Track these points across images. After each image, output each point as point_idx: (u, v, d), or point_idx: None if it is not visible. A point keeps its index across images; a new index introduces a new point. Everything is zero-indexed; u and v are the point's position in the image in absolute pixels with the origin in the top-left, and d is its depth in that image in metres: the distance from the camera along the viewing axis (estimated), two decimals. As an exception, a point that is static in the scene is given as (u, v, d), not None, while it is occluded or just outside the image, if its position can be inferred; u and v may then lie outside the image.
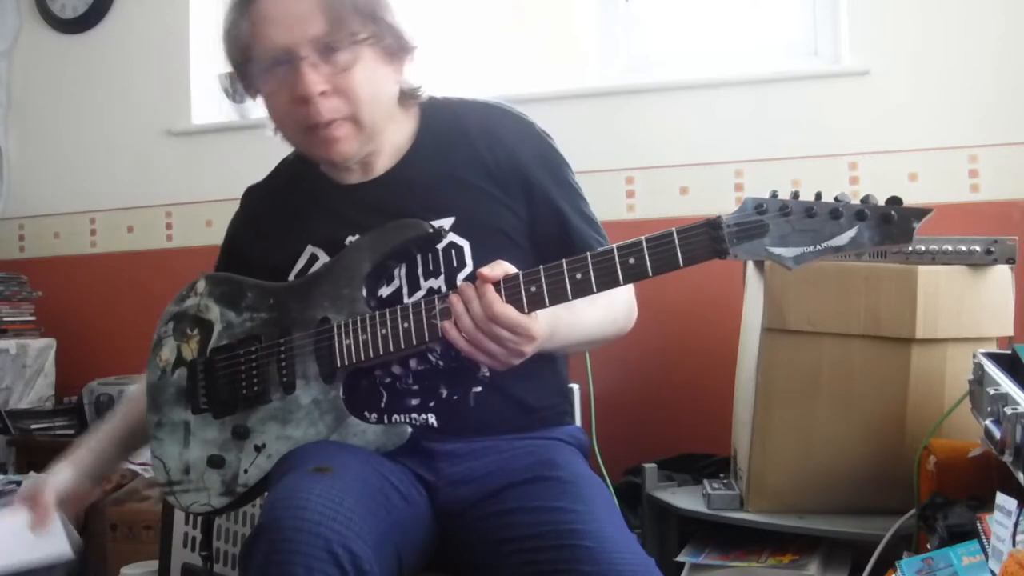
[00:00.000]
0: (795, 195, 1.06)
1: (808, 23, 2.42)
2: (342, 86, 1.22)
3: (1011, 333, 1.67)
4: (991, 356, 1.32)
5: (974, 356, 1.35)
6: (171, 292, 1.38)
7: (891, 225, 1.03)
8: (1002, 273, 1.66)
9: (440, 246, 1.27)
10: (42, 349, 2.77)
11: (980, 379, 1.31)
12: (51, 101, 2.97)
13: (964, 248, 1.63)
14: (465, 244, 1.27)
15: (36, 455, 2.55)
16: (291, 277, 1.31)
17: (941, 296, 1.61)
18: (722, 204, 2.34)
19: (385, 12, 1.26)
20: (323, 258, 1.30)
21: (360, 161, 1.33)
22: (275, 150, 1.40)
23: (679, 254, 1.08)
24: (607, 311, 1.29)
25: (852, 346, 1.63)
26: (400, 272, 1.27)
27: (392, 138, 1.33)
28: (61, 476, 1.36)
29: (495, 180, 1.30)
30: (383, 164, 1.33)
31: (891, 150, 2.26)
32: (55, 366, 2.80)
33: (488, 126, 1.33)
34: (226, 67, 1.33)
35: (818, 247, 1.05)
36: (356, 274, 1.24)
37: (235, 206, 1.47)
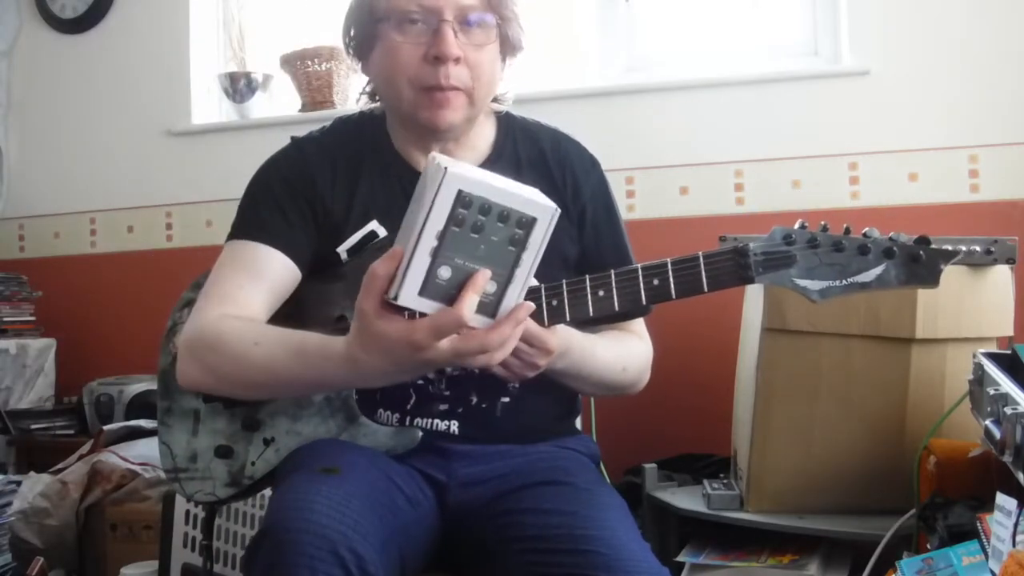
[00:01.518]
0: (824, 228, 1.07)
1: (808, 23, 2.42)
2: (472, 60, 1.23)
3: (1011, 333, 1.67)
4: (991, 356, 1.32)
5: (974, 356, 1.35)
6: (171, 292, 1.37)
7: (919, 265, 1.04)
8: (1002, 273, 1.66)
9: None
10: (42, 349, 2.77)
11: (980, 379, 1.31)
12: (51, 101, 2.97)
13: (964, 248, 1.62)
14: None
15: (36, 455, 2.56)
16: (344, 250, 1.28)
17: (941, 296, 1.61)
18: (722, 204, 2.35)
19: (517, 8, 1.27)
20: (382, 236, 1.28)
21: (442, 152, 1.30)
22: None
23: (704, 278, 1.08)
24: (619, 354, 1.30)
25: (852, 346, 1.63)
26: None
27: (475, 138, 1.33)
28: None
29: (563, 206, 1.31)
30: None
31: (891, 150, 2.26)
32: (55, 366, 2.80)
33: (562, 153, 1.35)
34: (351, 11, 1.28)
35: (844, 282, 1.05)
36: None
37: (235, 206, 1.39)
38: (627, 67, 2.56)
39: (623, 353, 1.30)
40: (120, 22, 2.90)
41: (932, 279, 1.06)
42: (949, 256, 1.05)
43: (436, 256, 0.91)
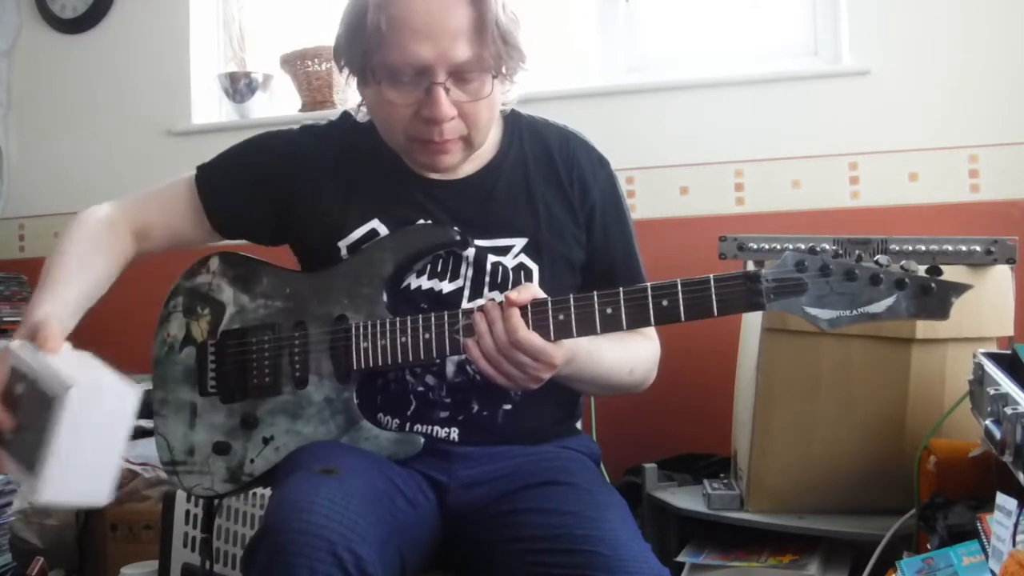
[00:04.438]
0: (835, 255, 1.06)
1: (808, 23, 2.42)
2: (467, 112, 1.20)
3: (1011, 333, 1.67)
4: (991, 356, 1.32)
5: (974, 356, 1.35)
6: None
7: (929, 297, 1.04)
8: (1002, 273, 1.66)
9: (511, 265, 1.27)
10: (42, 349, 2.76)
11: (980, 379, 1.31)
12: (51, 101, 2.96)
13: (964, 248, 1.63)
14: (535, 268, 1.27)
15: (36, 455, 2.56)
16: (344, 245, 1.28)
17: (941, 296, 1.61)
18: (722, 204, 2.35)
19: (518, 36, 1.22)
20: (383, 235, 1.28)
21: None
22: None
23: (714, 303, 1.08)
24: (626, 356, 1.29)
25: (852, 346, 1.63)
26: (467, 272, 1.26)
27: None
28: (52, 309, 1.29)
29: (570, 208, 1.31)
30: (467, 167, 1.31)
31: (891, 150, 2.25)
32: (55, 366, 2.79)
33: (570, 153, 1.34)
34: (342, 48, 1.25)
35: (854, 312, 1.05)
36: (377, 275, 1.23)
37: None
38: (627, 67, 2.56)
39: (630, 355, 1.30)
40: (120, 22, 2.90)
41: (942, 312, 1.05)
42: (960, 290, 1.04)
43: None
